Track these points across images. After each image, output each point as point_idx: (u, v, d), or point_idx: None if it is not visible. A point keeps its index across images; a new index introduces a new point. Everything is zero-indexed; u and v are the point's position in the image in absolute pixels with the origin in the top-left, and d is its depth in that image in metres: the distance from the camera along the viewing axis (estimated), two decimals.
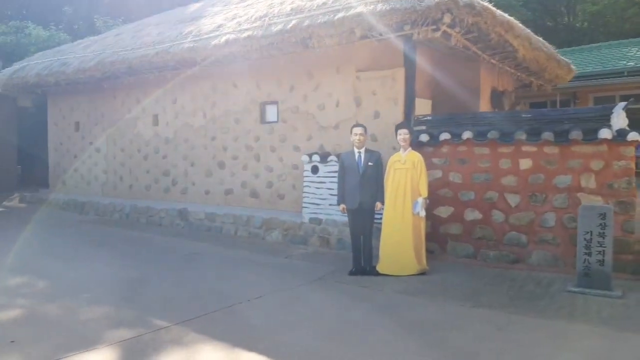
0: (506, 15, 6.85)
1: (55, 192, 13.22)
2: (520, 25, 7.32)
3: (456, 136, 6.69)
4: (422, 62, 8.31)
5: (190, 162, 9.99)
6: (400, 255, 5.97)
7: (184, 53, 8.20)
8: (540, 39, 8.65)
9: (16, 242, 7.94)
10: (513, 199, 6.42)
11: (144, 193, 10.96)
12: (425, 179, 6.01)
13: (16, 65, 12.48)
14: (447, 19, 5.91)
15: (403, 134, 6.01)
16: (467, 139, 6.57)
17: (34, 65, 11.69)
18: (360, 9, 6.18)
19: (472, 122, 6.76)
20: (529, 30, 7.72)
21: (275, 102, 8.60)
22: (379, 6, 6.00)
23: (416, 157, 6.03)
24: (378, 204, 6.04)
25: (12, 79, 12.13)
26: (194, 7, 10.67)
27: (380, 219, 6.13)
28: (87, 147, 12.35)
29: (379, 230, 6.14)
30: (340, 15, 6.33)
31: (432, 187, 6.84)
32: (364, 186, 5.96)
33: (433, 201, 6.80)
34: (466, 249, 6.70)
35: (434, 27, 6.10)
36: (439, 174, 6.90)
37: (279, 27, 6.85)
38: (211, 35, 7.84)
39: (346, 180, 6.04)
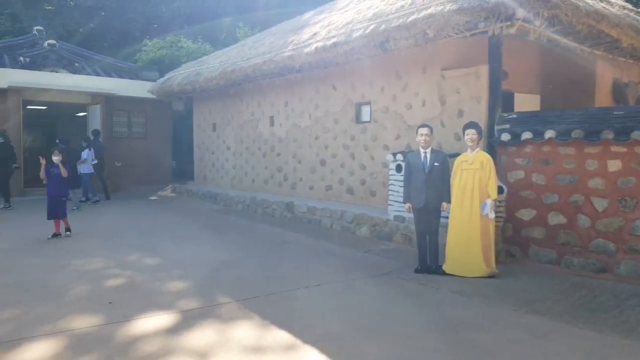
0: (600, 3, 6.32)
1: (198, 184, 15.11)
2: (622, 12, 6.67)
3: (539, 135, 6.39)
4: (527, 57, 8.01)
5: (298, 160, 10.81)
6: (468, 257, 5.94)
7: (284, 61, 8.97)
8: None
9: (150, 226, 9.47)
10: (600, 204, 5.96)
11: (263, 187, 12.09)
12: (494, 180, 5.90)
13: (167, 76, 14.56)
14: (520, 14, 5.73)
15: (470, 133, 5.96)
16: (550, 138, 6.25)
17: (178, 75, 13.56)
18: (431, 10, 6.26)
19: (558, 119, 6.39)
20: (637, 17, 6.97)
21: (368, 103, 8.96)
22: (448, 6, 6.03)
23: (484, 157, 5.95)
24: (444, 204, 6.08)
25: (163, 87, 14.21)
26: (306, 16, 11.43)
27: (447, 218, 6.17)
28: (221, 145, 13.93)
29: (446, 229, 6.18)
30: (412, 17, 6.47)
31: (514, 188, 6.65)
32: (429, 186, 6.05)
33: (515, 203, 6.61)
34: (549, 254, 6.37)
35: (509, 22, 5.95)
36: (521, 174, 6.65)
37: (359, 32, 7.21)
38: (307, 43, 8.48)
39: (412, 179, 6.19)
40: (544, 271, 6.19)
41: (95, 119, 15.28)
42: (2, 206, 11.50)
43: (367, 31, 7.08)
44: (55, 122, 19.88)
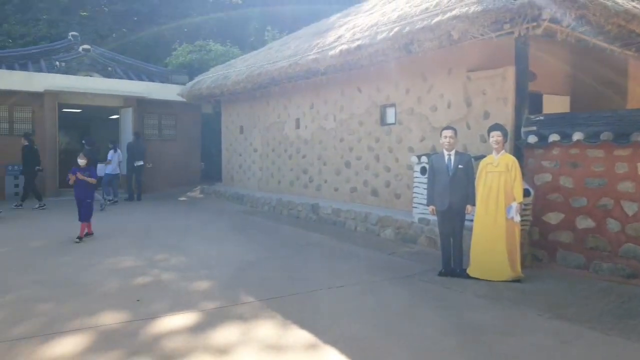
0: (630, 2, 6.18)
1: (226, 185, 15.33)
2: None
3: (566, 137, 6.28)
4: (557, 57, 7.88)
5: (323, 162, 10.86)
6: (493, 260, 5.87)
7: (309, 64, 9.05)
8: None
9: (178, 226, 9.67)
10: (630, 207, 5.82)
11: (289, 188, 12.19)
12: (520, 183, 5.82)
13: (196, 79, 14.83)
14: (546, 14, 5.65)
15: (495, 135, 5.90)
16: (578, 140, 6.14)
17: (206, 78, 13.81)
18: (456, 11, 6.23)
19: (587, 121, 6.27)
20: None
21: (393, 105, 8.95)
22: (472, 8, 6.00)
23: (510, 159, 5.88)
24: (468, 207, 6.03)
25: (192, 91, 14.49)
26: (331, 19, 11.49)
27: (471, 221, 6.12)
28: (248, 147, 14.10)
29: (470, 232, 6.13)
30: (437, 19, 6.45)
31: (541, 191, 6.55)
32: (453, 188, 6.02)
33: (542, 206, 6.52)
34: (577, 259, 6.25)
35: (535, 23, 5.88)
36: (548, 177, 6.55)
37: (383, 35, 7.22)
38: (331, 46, 8.53)
39: (436, 182, 6.16)
40: (571, 276, 6.08)
41: (127, 122, 15.67)
42: (37, 206, 11.89)
43: (391, 33, 7.09)
44: (89, 125, 20.47)
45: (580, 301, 5.15)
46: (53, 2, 20.39)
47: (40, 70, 15.06)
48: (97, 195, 11.44)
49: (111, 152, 13.19)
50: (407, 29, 6.84)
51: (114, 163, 13.08)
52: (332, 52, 8.30)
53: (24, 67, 15.03)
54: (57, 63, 15.18)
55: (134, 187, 14.20)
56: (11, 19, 19.92)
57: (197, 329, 4.31)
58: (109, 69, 16.16)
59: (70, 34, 16.93)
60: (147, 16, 22.77)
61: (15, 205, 11.88)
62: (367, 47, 7.55)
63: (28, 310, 4.70)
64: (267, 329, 4.33)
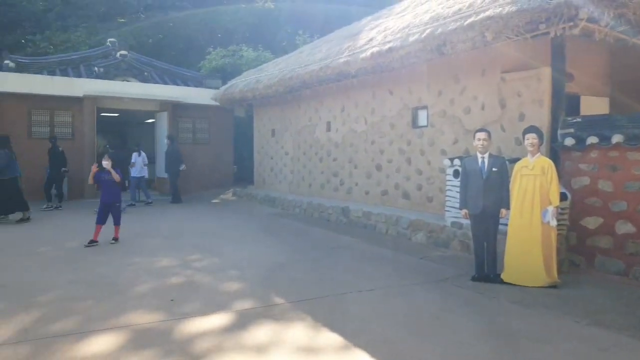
0: None
1: (258, 188, 15.48)
2: None
3: (605, 140, 6.10)
4: (596, 57, 7.68)
5: (354, 165, 10.85)
6: (528, 266, 5.74)
7: (340, 67, 9.06)
8: None
9: (211, 228, 9.81)
10: None
11: (319, 191, 12.21)
12: (556, 187, 5.67)
13: (229, 83, 15.05)
14: (583, 14, 5.51)
15: (531, 138, 5.77)
16: (618, 142, 5.95)
17: (239, 83, 14.00)
18: (490, 12, 6.14)
19: (627, 123, 6.07)
20: None
21: (425, 107, 8.87)
22: (507, 8, 5.90)
23: (546, 162, 5.74)
24: (503, 211, 5.92)
25: (225, 95, 14.71)
26: (362, 22, 11.48)
27: (506, 225, 6.00)
28: (279, 150, 14.20)
29: (505, 236, 6.01)
30: (470, 20, 6.37)
31: (579, 195, 6.38)
32: (487, 191, 5.91)
33: (579, 211, 6.35)
34: (616, 265, 6.06)
35: (571, 23, 5.73)
36: (586, 181, 6.37)
37: (415, 37, 7.17)
38: (363, 48, 8.52)
39: (469, 185, 6.07)
40: (610, 282, 5.90)
41: (163, 126, 16.03)
42: (54, 206, 12.34)
43: (423, 35, 7.04)
44: (126, 129, 21.01)
45: (620, 308, 4.99)
46: (92, 9, 21.06)
47: (79, 75, 15.57)
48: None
49: (135, 154, 13.58)
50: (440, 30, 6.78)
51: (137, 165, 13.44)
52: (363, 55, 8.29)
53: (64, 73, 15.58)
54: (96, 69, 15.65)
55: (171, 189, 14.61)
56: (53, 26, 20.64)
57: (229, 329, 4.36)
58: (145, 73, 16.55)
59: (108, 40, 17.46)
60: (182, 22, 23.23)
61: (55, 207, 12.31)
62: (399, 49, 7.51)
63: (66, 308, 4.84)
64: (298, 330, 4.35)
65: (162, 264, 6.73)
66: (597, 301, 5.22)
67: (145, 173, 13.80)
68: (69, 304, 4.99)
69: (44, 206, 12.29)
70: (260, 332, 4.29)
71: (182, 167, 14.40)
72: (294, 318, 4.65)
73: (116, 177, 8.04)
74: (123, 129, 20.93)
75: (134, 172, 13.46)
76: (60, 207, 12.47)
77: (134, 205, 13.33)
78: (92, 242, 7.83)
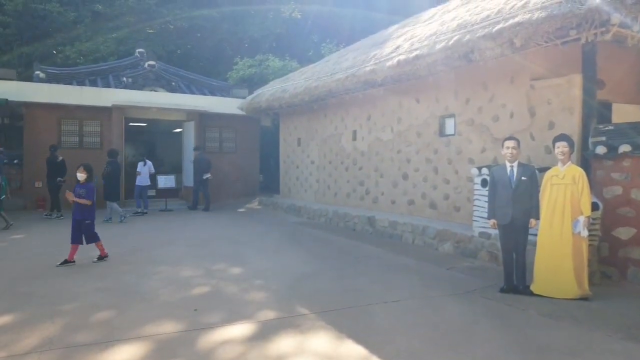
0: None
1: (283, 197, 15.52)
2: None
3: (638, 148, 5.91)
4: (628, 64, 7.49)
5: (380, 174, 10.77)
6: (558, 277, 5.58)
7: (366, 75, 9.03)
8: None
9: (236, 237, 9.85)
10: None
11: (345, 200, 12.16)
12: (587, 196, 5.51)
13: (255, 93, 15.18)
14: (614, 19, 5.36)
15: (561, 146, 5.63)
16: None
17: (265, 92, 14.10)
18: (519, 18, 6.02)
19: None
20: None
21: (452, 115, 8.76)
22: (536, 14, 5.78)
23: (577, 171, 5.59)
24: (532, 221, 5.77)
25: (252, 104, 14.84)
26: (389, 30, 11.44)
27: (535, 236, 5.84)
28: (305, 159, 14.22)
29: (534, 247, 5.86)
30: (498, 27, 6.27)
31: (611, 205, 6.19)
32: (516, 201, 5.78)
33: (611, 221, 6.15)
34: None
35: (603, 29, 5.59)
36: (618, 190, 6.17)
37: (442, 44, 7.09)
38: (389, 57, 8.47)
39: (497, 194, 5.94)
40: None
41: (190, 135, 16.24)
42: (55, 216, 12.53)
43: (450, 42, 6.96)
44: (155, 139, 21.38)
45: None
46: (122, 20, 21.58)
47: (108, 85, 15.95)
48: (117, 207, 11.79)
49: (140, 164, 13.73)
50: (467, 37, 6.69)
51: (143, 174, 13.55)
52: (389, 63, 8.25)
53: (93, 83, 15.98)
54: (124, 79, 16.00)
55: (201, 198, 14.80)
56: (82, 37, 21.21)
57: (252, 339, 4.34)
58: (173, 83, 16.84)
59: (137, 50, 17.84)
60: (210, 32, 23.60)
61: (56, 217, 12.55)
62: (426, 57, 7.44)
63: (90, 317, 4.89)
64: (321, 341, 4.30)
65: (186, 273, 6.77)
66: (630, 314, 5.03)
67: (149, 182, 13.84)
68: (94, 312, 5.05)
69: (45, 214, 12.75)
70: (284, 343, 4.26)
71: (207, 175, 14.59)
72: (318, 328, 4.61)
73: (84, 201, 7.18)
74: (151, 139, 21.28)
75: (139, 181, 13.58)
76: (62, 216, 12.55)
77: (145, 213, 13.47)
78: (66, 262, 7.09)
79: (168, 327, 4.60)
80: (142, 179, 13.63)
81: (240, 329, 4.58)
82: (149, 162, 13.91)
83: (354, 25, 23.03)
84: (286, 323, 4.74)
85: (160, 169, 19.02)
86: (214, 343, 4.24)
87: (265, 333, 4.47)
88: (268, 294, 5.78)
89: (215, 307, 5.25)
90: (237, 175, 17.23)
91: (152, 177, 14.37)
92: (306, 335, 4.44)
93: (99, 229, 7.74)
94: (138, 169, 13.68)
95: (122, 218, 11.83)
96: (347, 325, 4.71)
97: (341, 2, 24.43)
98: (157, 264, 7.31)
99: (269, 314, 5.01)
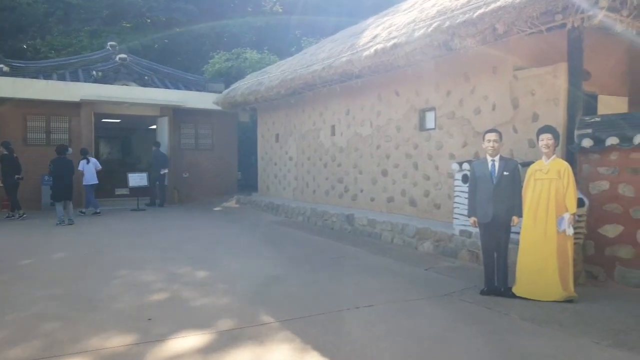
0: None
1: (261, 195, 15.04)
2: None
3: (626, 140, 5.58)
4: (614, 54, 7.17)
5: (359, 170, 10.36)
6: (542, 278, 5.22)
7: (343, 66, 8.60)
8: None
9: (208, 237, 9.37)
10: None
11: (324, 198, 11.73)
12: (573, 192, 5.16)
13: (231, 87, 14.66)
14: (603, 2, 5.00)
15: (545, 139, 5.27)
16: None
17: (241, 86, 13.60)
18: (501, 2, 5.65)
19: None
20: None
21: (432, 109, 8.38)
22: None
23: (562, 165, 5.23)
24: (515, 218, 5.40)
25: (227, 98, 14.32)
26: (368, 21, 11.00)
27: (518, 234, 5.47)
28: (284, 156, 13.77)
29: (516, 246, 5.49)
30: (479, 12, 5.89)
31: (597, 201, 5.86)
32: (497, 198, 5.40)
33: (598, 218, 5.83)
34: (638, 276, 5.54)
35: (590, 13, 5.22)
36: (605, 185, 5.83)
37: (421, 31, 6.70)
38: (366, 46, 8.06)
39: (478, 191, 5.56)
40: (631, 296, 5.40)
41: (164, 131, 15.68)
42: (18, 217, 11.88)
43: (429, 29, 6.56)
44: (130, 136, 20.73)
45: None
46: (95, 13, 20.83)
47: (77, 80, 15.25)
48: (59, 208, 10.95)
49: (83, 162, 12.76)
50: (447, 23, 6.30)
51: (88, 173, 12.65)
52: (366, 53, 7.82)
53: (61, 77, 15.27)
54: (94, 72, 15.34)
55: (157, 194, 14.55)
56: (54, 30, 20.42)
57: (205, 352, 3.89)
58: (146, 77, 16.23)
59: (108, 43, 17.14)
60: (188, 26, 22.98)
61: (19, 217, 11.90)
62: (404, 45, 7.03)
63: (32, 329, 4.41)
64: (283, 354, 3.87)
65: (148, 277, 6.29)
66: (618, 318, 4.70)
67: (96, 181, 12.92)
68: (38, 323, 4.56)
69: (6, 215, 11.99)
70: (241, 356, 3.82)
71: (164, 171, 14.40)
72: (281, 339, 4.18)
73: None
74: (126, 136, 20.65)
75: (85, 181, 12.65)
76: (24, 214, 11.94)
77: (97, 212, 12.71)
78: None
79: (115, 340, 4.13)
80: (88, 178, 12.67)
81: (193, 341, 4.12)
82: (92, 160, 12.96)
83: (341, 21, 22.51)
84: (246, 333, 4.30)
85: (136, 167, 18.43)
86: (162, 358, 3.79)
87: (221, 345, 4.03)
88: (231, 300, 5.33)
89: (172, 316, 4.79)
90: (214, 172, 16.71)
91: (122, 176, 13.80)
92: (266, 347, 4.01)
93: (56, 233, 7.23)
94: (80, 168, 12.62)
95: (61, 222, 10.92)
96: (314, 334, 4.29)
97: None
98: (118, 267, 6.81)
99: (228, 323, 4.56)
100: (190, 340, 4.15)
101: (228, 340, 4.14)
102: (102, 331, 4.32)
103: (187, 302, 5.25)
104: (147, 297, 5.40)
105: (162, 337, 4.18)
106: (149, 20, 22.91)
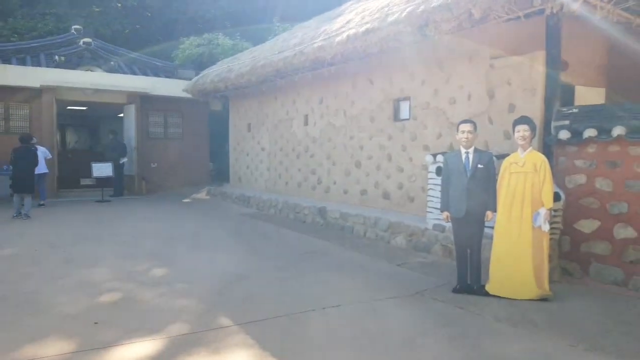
0: None
1: (233, 186, 14.62)
2: None
3: (604, 132, 5.37)
4: (592, 44, 6.96)
5: (332, 162, 10.04)
6: (516, 276, 5.00)
7: (315, 52, 8.25)
8: None
9: (172, 231, 8.95)
10: None
11: (296, 190, 11.40)
12: (549, 186, 4.94)
13: (201, 74, 14.13)
14: None
15: (522, 130, 5.02)
16: (619, 135, 5.22)
17: (211, 72, 13.11)
18: None
19: (629, 114, 5.34)
20: None
21: (407, 98, 8.09)
22: None
23: (539, 158, 4.99)
24: (489, 213, 5.16)
25: (197, 85, 13.80)
26: (343, 7, 10.62)
27: (492, 229, 5.23)
28: (256, 146, 13.36)
29: (490, 243, 5.25)
30: None
31: (573, 195, 5.65)
32: (471, 192, 5.14)
33: (574, 212, 5.62)
34: (614, 273, 5.34)
35: None
36: (582, 179, 5.63)
37: (395, 16, 6.38)
38: (338, 32, 7.72)
39: (451, 184, 5.30)
40: (607, 293, 5.23)
41: (131, 120, 15.07)
42: None
43: (403, 14, 6.25)
44: (97, 124, 20.00)
45: (621, 327, 4.28)
46: None
47: (39, 64, 14.49)
48: (17, 199, 10.34)
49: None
50: (422, 8, 5.99)
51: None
52: (338, 39, 7.48)
53: (22, 62, 14.50)
54: (57, 57, 14.60)
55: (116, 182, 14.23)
56: (17, 12, 19.46)
57: None
58: (112, 63, 15.57)
59: (72, 27, 16.33)
60: (159, 11, 22.23)
61: None
62: (377, 31, 6.71)
63: None
64: None
65: (102, 276, 5.86)
66: (594, 318, 4.51)
67: (46, 169, 12.19)
68: None
69: None
70: None
71: (123, 160, 14.19)
72: (238, 345, 3.85)
73: None
74: (93, 124, 19.90)
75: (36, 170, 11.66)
76: None
77: (42, 204, 12.01)
78: None
79: (53, 348, 3.74)
80: (38, 168, 11.63)
81: (140, 349, 3.76)
82: (41, 148, 12.04)
83: (327, 9, 21.97)
84: (201, 339, 3.96)
85: (104, 157, 17.74)
86: None
87: (171, 353, 3.68)
88: (189, 301, 4.97)
89: (121, 319, 4.41)
90: (185, 163, 16.17)
91: (88, 166, 13.18)
92: (221, 354, 3.68)
93: (9, 227, 6.74)
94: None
95: (18, 214, 10.27)
96: (274, 339, 3.98)
97: None
98: (70, 265, 6.37)
99: (182, 328, 4.20)
100: (137, 347, 3.79)
101: (180, 346, 3.79)
102: (39, 338, 3.93)
103: (140, 304, 4.88)
104: (97, 298, 5.00)
105: (106, 344, 3.82)
106: (119, 5, 22.07)
